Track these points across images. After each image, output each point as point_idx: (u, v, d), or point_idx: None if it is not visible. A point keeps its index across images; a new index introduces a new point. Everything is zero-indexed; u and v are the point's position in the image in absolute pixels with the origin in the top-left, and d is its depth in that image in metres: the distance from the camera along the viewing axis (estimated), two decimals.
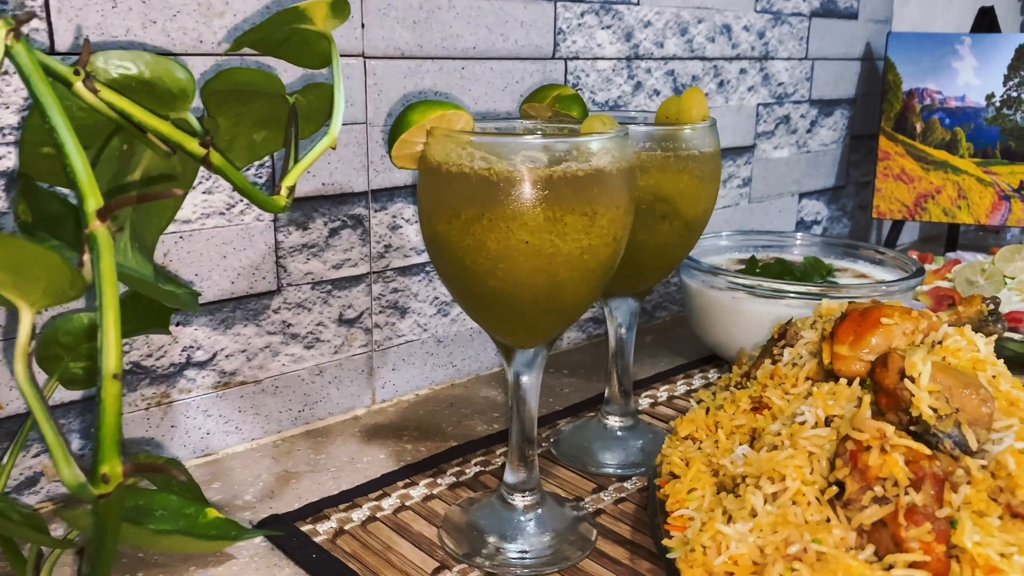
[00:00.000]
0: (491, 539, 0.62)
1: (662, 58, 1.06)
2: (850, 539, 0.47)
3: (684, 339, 1.09)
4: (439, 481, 0.72)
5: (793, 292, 0.89)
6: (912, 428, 0.50)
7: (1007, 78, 1.33)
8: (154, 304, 0.58)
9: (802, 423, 0.55)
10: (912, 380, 0.50)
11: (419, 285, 0.88)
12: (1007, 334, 1.02)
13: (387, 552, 0.62)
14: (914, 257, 1.13)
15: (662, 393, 0.92)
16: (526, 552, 0.61)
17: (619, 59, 1.01)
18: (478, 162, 0.52)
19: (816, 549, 0.46)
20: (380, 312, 0.85)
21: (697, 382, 0.95)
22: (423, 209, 0.57)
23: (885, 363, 0.52)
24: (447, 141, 0.53)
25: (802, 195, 1.36)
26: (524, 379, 0.61)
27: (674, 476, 0.60)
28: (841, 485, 0.48)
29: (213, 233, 0.72)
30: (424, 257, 0.88)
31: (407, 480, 0.72)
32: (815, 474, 0.50)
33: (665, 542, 0.54)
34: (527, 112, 0.71)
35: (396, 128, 0.54)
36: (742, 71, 1.18)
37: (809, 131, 1.33)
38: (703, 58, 1.11)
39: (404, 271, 0.86)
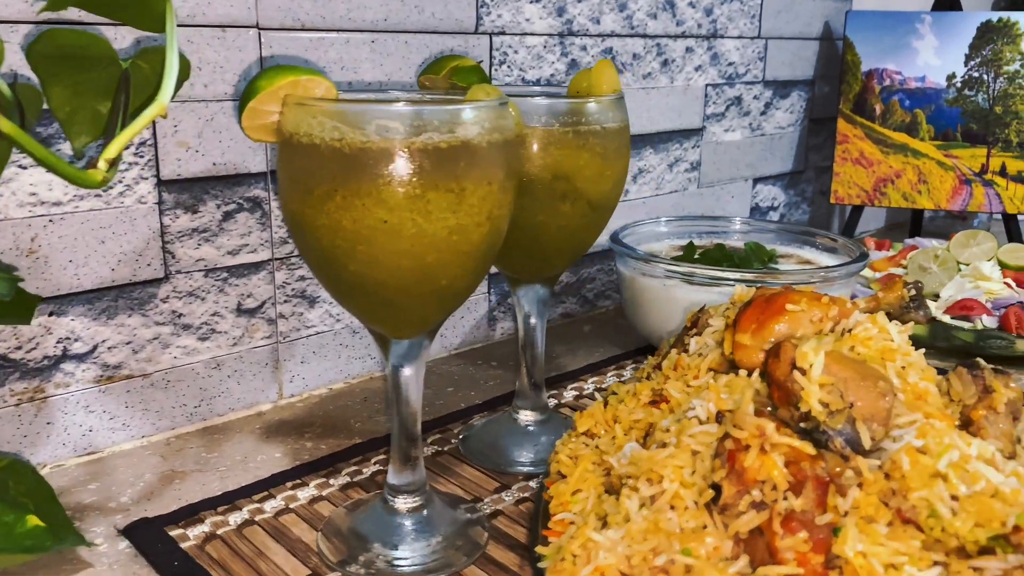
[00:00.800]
0: (371, 545, 0.58)
1: (599, 35, 1.01)
2: (725, 548, 0.42)
3: (624, 329, 1.04)
4: (332, 482, 0.68)
5: (729, 279, 0.84)
6: (802, 425, 0.45)
7: (968, 58, 1.29)
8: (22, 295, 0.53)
9: (692, 418, 0.50)
10: (803, 372, 0.46)
11: None
12: (957, 323, 0.98)
13: (258, 559, 0.57)
14: (861, 243, 1.08)
15: (589, 385, 0.87)
16: (405, 559, 0.56)
17: (551, 35, 0.96)
18: (329, 132, 0.47)
19: (684, 561, 0.41)
20: (285, 302, 0.81)
21: (628, 373, 0.90)
22: (280, 186, 0.52)
23: (777, 353, 0.48)
24: (297, 110, 0.48)
25: (757, 180, 1.31)
26: (404, 372, 0.56)
27: (562, 476, 0.56)
28: (718, 488, 0.43)
29: (88, 216, 0.67)
30: None
31: (298, 481, 0.68)
32: (696, 475, 0.46)
33: (538, 549, 0.49)
34: (423, 84, 0.66)
35: (244, 95, 0.49)
36: (688, 50, 1.13)
37: (764, 113, 1.29)
38: (644, 35, 1.06)
39: None
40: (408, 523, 0.59)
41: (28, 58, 0.47)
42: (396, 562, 0.56)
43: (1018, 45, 1.26)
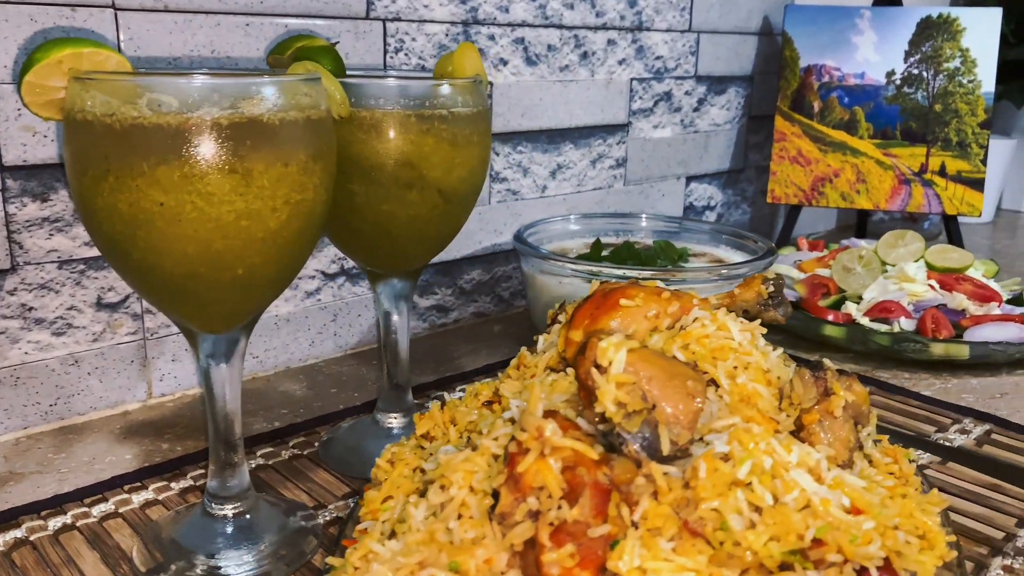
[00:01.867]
0: (187, 552, 0.54)
1: (508, 24, 0.98)
2: (500, 561, 0.38)
3: (537, 329, 1.00)
4: (173, 485, 0.64)
5: (629, 278, 0.81)
6: (600, 427, 0.42)
7: (908, 54, 1.25)
8: None
9: (508, 419, 0.46)
10: (602, 369, 0.42)
11: None
12: (876, 326, 0.94)
13: (63, 568, 0.54)
14: (770, 242, 1.05)
15: None
16: (219, 568, 0.53)
17: (453, 23, 0.93)
18: (101, 107, 0.44)
19: None
20: None
21: None
22: (66, 167, 0.48)
23: (584, 350, 0.44)
24: (74, 85, 0.45)
25: (691, 178, 1.28)
26: (217, 371, 0.53)
27: (380, 482, 0.52)
28: (497, 495, 0.40)
29: None
30: None
31: (137, 484, 0.64)
32: (487, 481, 0.42)
33: (329, 559, 0.45)
34: (270, 65, 0.63)
35: (21, 69, 0.46)
36: (610, 42, 1.09)
37: (697, 110, 1.25)
38: (560, 26, 1.03)
39: None
40: (229, 530, 0.55)
41: None
42: (211, 571, 0.53)
43: (958, 41, 1.23)
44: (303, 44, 0.62)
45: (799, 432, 0.47)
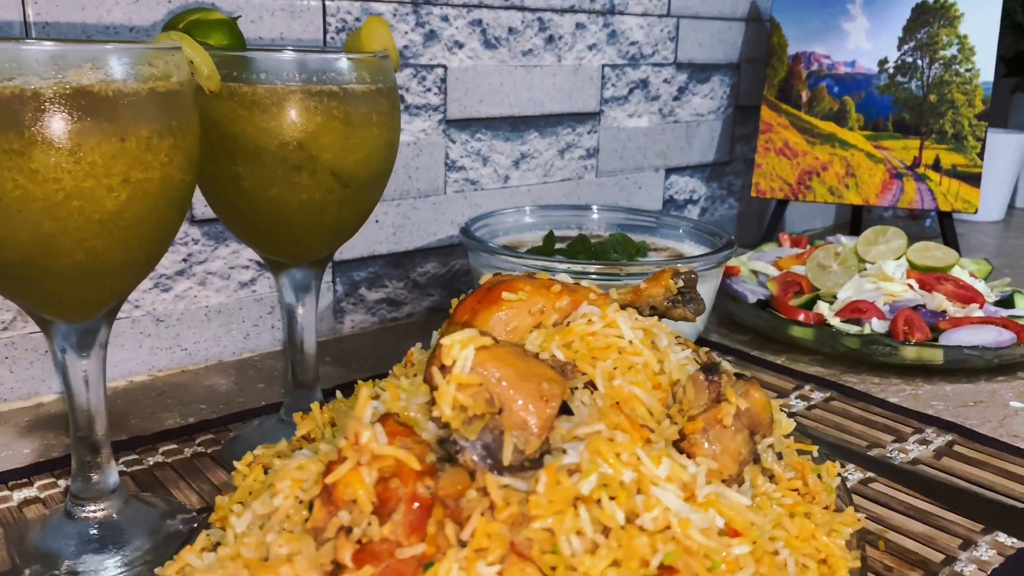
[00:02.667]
0: (45, 557, 0.51)
1: (463, 5, 0.93)
2: None
3: None
4: (60, 483, 0.61)
5: (573, 273, 0.76)
6: (441, 432, 0.38)
7: (902, 41, 1.19)
8: None
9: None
10: (445, 370, 0.38)
11: None
12: (847, 327, 0.89)
13: None
14: (729, 235, 0.99)
15: None
16: (79, 572, 0.49)
17: (402, 2, 0.89)
18: None
19: None
20: None
21: None
22: None
23: (437, 349, 0.40)
24: None
25: (671, 170, 1.22)
26: (75, 364, 0.49)
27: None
28: (312, 508, 0.35)
29: None
30: None
31: (23, 480, 0.61)
32: (312, 490, 0.38)
33: (157, 570, 0.41)
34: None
35: None
36: (579, 25, 1.05)
37: (677, 99, 1.20)
38: (522, 8, 0.98)
39: None
40: (93, 532, 0.51)
41: None
42: (69, 574, 0.49)
43: (955, 28, 1.16)
44: (197, 17, 0.58)
45: (682, 442, 0.42)
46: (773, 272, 1.03)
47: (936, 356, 0.83)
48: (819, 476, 0.48)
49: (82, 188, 0.42)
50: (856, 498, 0.60)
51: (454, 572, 0.33)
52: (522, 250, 0.88)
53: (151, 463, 0.64)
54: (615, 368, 0.43)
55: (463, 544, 0.34)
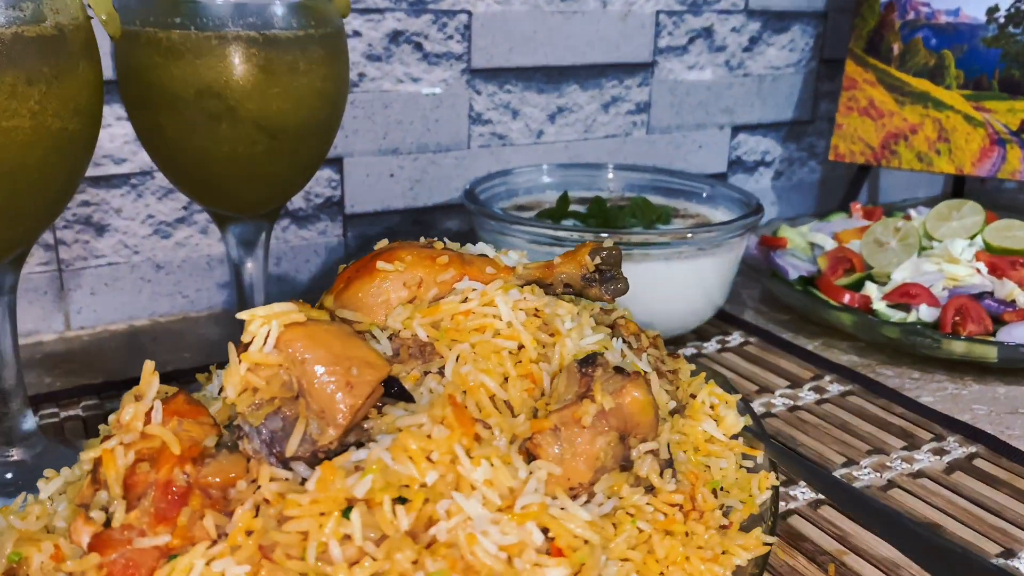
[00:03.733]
0: None
1: None
2: (73, 555, 0.32)
3: None
4: None
5: (573, 241, 0.71)
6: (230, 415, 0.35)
7: None
8: None
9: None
10: (241, 348, 0.35)
11: (123, 200, 0.77)
12: (887, 311, 0.79)
13: None
14: (757, 201, 0.90)
15: None
16: None
17: None
18: None
19: None
20: (66, 227, 0.76)
21: None
22: None
23: None
24: None
25: (738, 128, 1.13)
26: None
27: None
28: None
29: None
30: (128, 167, 0.77)
31: None
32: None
33: None
34: None
35: None
36: None
37: (748, 50, 1.09)
38: None
39: (98, 182, 0.76)
40: (7, 476, 0.52)
41: None
42: None
43: None
44: None
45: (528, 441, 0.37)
46: (831, 245, 0.93)
47: (989, 353, 0.73)
48: (716, 491, 0.42)
49: None
50: (799, 520, 0.52)
51: (198, 567, 0.30)
52: (533, 213, 0.83)
53: (105, 410, 0.65)
54: (474, 352, 0.39)
55: (225, 536, 0.32)
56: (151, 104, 0.53)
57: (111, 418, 0.34)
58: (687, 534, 0.39)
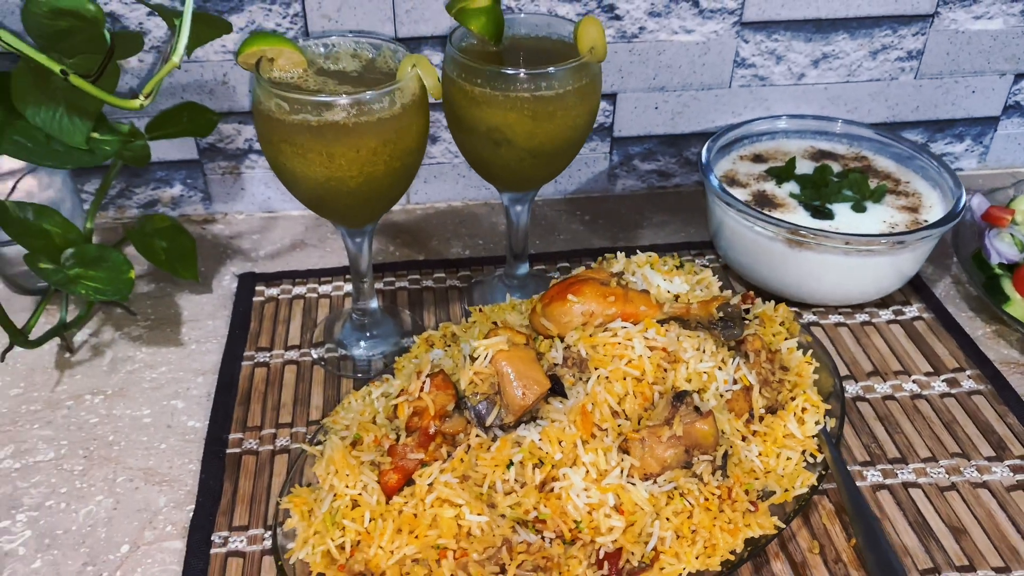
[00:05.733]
0: (337, 338, 0.88)
1: None
2: (383, 447, 0.64)
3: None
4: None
5: (762, 223, 0.87)
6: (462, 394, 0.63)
7: None
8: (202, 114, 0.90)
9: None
10: (471, 360, 0.62)
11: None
12: None
13: (279, 324, 0.91)
14: (960, 190, 0.97)
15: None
16: (349, 352, 0.86)
17: None
18: (255, 96, 0.70)
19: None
20: None
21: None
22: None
23: None
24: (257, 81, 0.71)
25: (1022, 76, 1.12)
26: (353, 241, 0.81)
27: None
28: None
29: None
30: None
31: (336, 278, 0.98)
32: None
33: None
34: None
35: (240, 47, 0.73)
36: None
37: None
38: None
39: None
40: (359, 328, 0.87)
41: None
42: (344, 352, 0.86)
43: None
44: (463, 5, 0.78)
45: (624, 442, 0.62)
46: None
47: None
48: (747, 491, 0.64)
49: (334, 176, 0.70)
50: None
51: (435, 473, 0.61)
52: (773, 164, 0.98)
53: (421, 285, 0.97)
54: (609, 375, 0.63)
55: (450, 459, 0.62)
56: (460, 127, 0.78)
57: (403, 376, 0.64)
58: (721, 510, 0.63)
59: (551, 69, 0.73)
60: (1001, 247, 0.96)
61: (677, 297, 0.72)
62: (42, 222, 0.84)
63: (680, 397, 0.62)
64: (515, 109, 0.74)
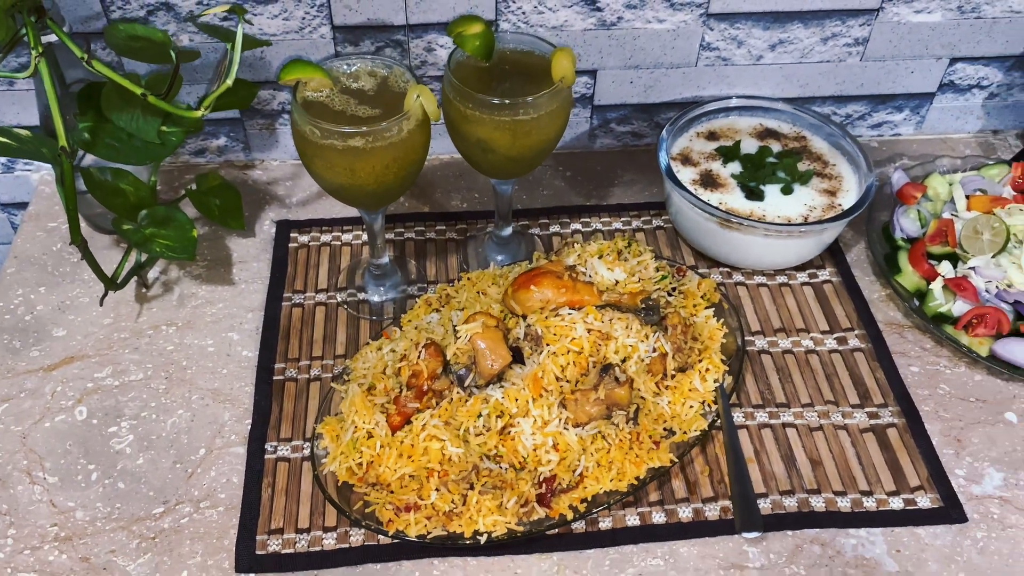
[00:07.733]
0: (352, 283, 1.11)
1: None
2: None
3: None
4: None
5: (700, 204, 1.07)
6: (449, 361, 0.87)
7: None
8: (245, 87, 1.08)
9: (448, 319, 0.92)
10: (456, 336, 0.85)
11: None
12: (939, 293, 1.07)
13: (326, 262, 1.14)
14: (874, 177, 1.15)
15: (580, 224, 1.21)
16: (363, 290, 1.09)
17: None
18: (298, 121, 0.89)
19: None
20: None
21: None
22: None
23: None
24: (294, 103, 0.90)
25: (957, 60, 1.27)
26: (371, 218, 1.02)
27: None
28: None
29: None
30: None
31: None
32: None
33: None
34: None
35: (280, 71, 0.91)
36: None
37: None
38: None
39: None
40: (375, 276, 1.10)
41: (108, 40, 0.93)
42: (363, 296, 1.09)
43: None
44: (460, 30, 0.95)
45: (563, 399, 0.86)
46: (961, 206, 1.16)
47: (982, 351, 1.02)
48: (651, 436, 0.88)
49: (354, 184, 0.90)
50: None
51: (426, 417, 0.85)
52: (723, 143, 1.16)
53: (424, 236, 1.19)
54: (556, 350, 0.86)
55: (438, 408, 0.86)
56: (455, 136, 0.97)
57: (407, 345, 0.87)
58: (631, 448, 0.87)
59: (529, 99, 0.92)
60: (905, 223, 1.16)
61: (617, 282, 0.94)
62: (119, 182, 1.05)
63: (606, 369, 0.86)
64: (499, 128, 0.93)
